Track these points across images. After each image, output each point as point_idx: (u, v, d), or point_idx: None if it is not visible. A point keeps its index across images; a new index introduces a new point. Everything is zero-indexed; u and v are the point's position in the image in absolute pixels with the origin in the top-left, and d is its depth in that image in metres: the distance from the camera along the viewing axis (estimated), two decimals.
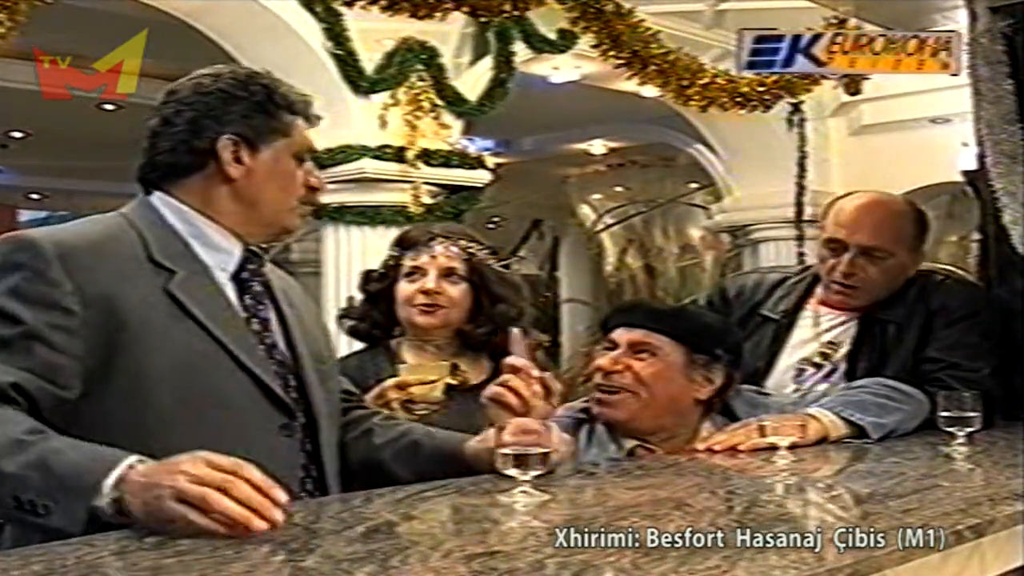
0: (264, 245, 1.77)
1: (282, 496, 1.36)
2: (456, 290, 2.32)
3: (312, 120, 1.78)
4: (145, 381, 1.56)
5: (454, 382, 2.24)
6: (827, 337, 2.52)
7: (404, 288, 2.33)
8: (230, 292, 1.69)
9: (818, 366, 2.50)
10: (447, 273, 2.32)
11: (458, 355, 2.34)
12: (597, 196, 12.79)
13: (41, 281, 1.54)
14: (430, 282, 2.30)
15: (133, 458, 1.39)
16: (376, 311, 2.38)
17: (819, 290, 2.56)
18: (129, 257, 1.61)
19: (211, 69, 1.74)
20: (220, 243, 1.69)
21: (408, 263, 2.34)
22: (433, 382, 2.16)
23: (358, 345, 2.46)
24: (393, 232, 2.56)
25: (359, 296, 2.46)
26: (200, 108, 1.69)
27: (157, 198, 1.70)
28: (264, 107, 1.71)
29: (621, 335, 2.21)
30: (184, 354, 1.59)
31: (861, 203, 2.54)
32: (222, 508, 1.31)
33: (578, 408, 2.27)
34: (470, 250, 2.34)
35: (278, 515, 1.34)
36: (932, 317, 2.46)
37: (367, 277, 2.42)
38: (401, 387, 2.14)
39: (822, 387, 2.46)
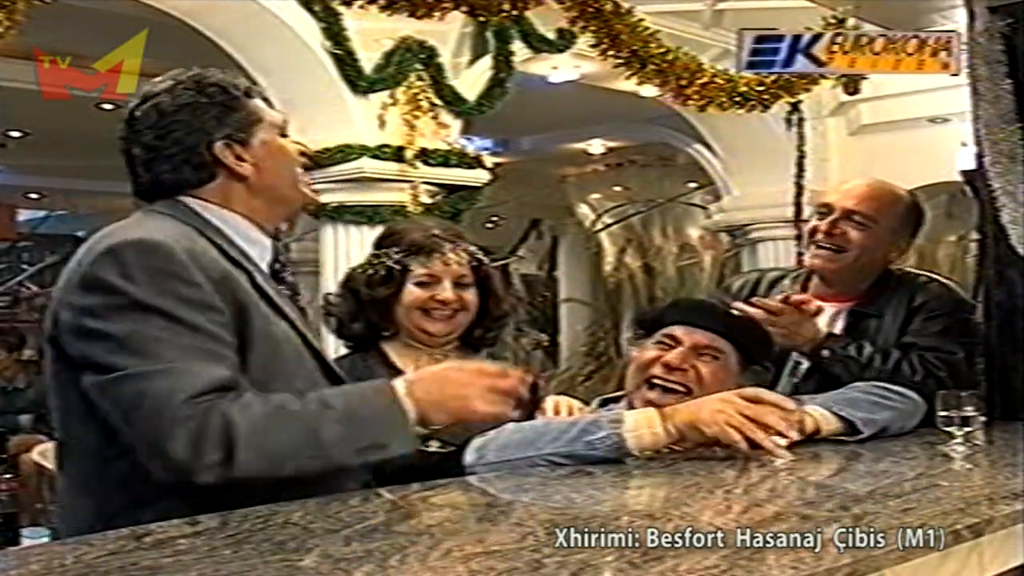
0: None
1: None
2: (470, 296, 2.33)
3: (256, 96, 1.83)
4: (263, 374, 1.64)
5: None
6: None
7: (415, 294, 2.29)
8: None
9: (805, 354, 2.55)
10: (459, 280, 2.32)
11: (452, 356, 2.33)
12: (596, 196, 12.79)
13: (188, 285, 1.59)
14: (448, 291, 2.29)
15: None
16: (372, 313, 2.34)
17: (812, 285, 2.67)
18: (216, 257, 1.67)
19: (160, 85, 1.78)
20: (256, 237, 1.78)
21: (420, 270, 2.30)
22: None
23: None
24: None
25: (336, 295, 2.42)
26: (178, 127, 1.73)
27: (189, 201, 1.75)
28: (229, 104, 1.76)
29: (685, 334, 2.19)
30: (285, 349, 1.70)
31: (864, 180, 2.74)
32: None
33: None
34: (477, 256, 2.34)
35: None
36: (913, 313, 2.57)
37: (368, 282, 2.36)
38: None
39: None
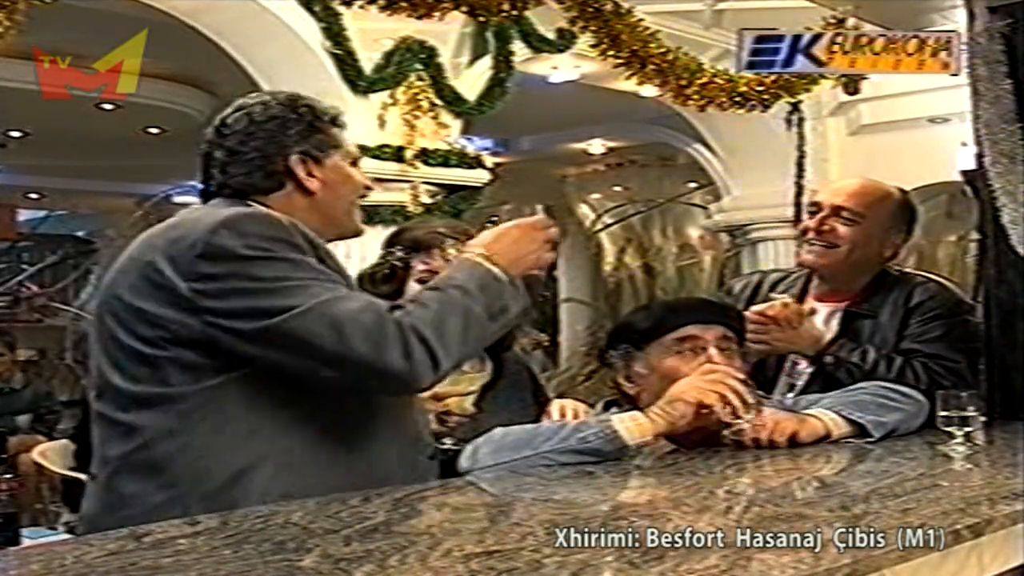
0: None
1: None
2: None
3: (344, 127, 1.95)
4: None
5: None
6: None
7: (415, 290, 2.27)
8: None
9: (809, 358, 2.54)
10: None
11: None
12: (596, 196, 12.78)
13: (300, 250, 1.70)
14: None
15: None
16: None
17: (813, 286, 2.68)
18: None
19: (254, 99, 1.91)
20: None
21: (420, 266, 2.30)
22: (470, 393, 2.12)
23: None
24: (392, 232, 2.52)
25: None
26: (263, 136, 1.85)
27: (254, 204, 1.82)
28: (315, 125, 1.89)
29: (708, 332, 2.18)
30: None
31: (854, 179, 2.78)
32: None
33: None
34: None
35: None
36: (910, 313, 2.58)
37: (371, 278, 2.37)
38: (438, 398, 2.09)
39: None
